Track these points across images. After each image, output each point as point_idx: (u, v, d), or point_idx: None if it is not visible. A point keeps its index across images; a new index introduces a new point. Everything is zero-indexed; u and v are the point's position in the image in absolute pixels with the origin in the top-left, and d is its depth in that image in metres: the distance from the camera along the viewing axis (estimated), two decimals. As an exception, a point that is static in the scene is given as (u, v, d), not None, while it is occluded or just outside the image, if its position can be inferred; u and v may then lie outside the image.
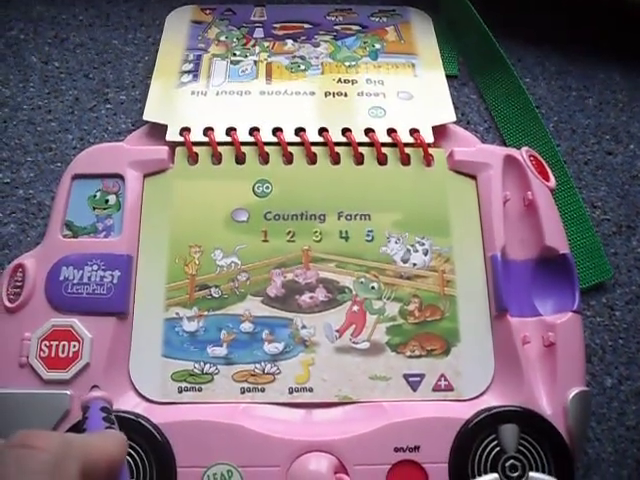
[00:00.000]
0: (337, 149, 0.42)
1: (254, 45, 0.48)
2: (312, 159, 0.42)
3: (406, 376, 0.37)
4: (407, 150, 0.42)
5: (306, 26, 0.50)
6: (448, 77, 0.47)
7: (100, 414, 0.29)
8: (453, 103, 0.45)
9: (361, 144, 0.42)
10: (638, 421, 0.40)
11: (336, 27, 0.50)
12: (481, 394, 0.37)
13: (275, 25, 0.50)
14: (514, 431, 0.35)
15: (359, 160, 0.42)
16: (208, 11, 0.51)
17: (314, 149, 0.42)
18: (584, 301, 0.43)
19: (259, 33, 0.49)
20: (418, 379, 0.37)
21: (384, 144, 0.42)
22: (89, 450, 0.25)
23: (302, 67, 0.46)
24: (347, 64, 0.47)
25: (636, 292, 0.43)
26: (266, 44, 0.48)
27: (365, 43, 0.48)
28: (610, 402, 0.40)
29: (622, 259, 0.44)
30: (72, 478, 0.23)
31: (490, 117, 0.48)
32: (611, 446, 0.39)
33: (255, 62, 0.47)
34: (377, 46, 0.48)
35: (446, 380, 0.37)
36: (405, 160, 0.42)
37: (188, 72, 0.46)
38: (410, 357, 0.37)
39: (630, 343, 0.42)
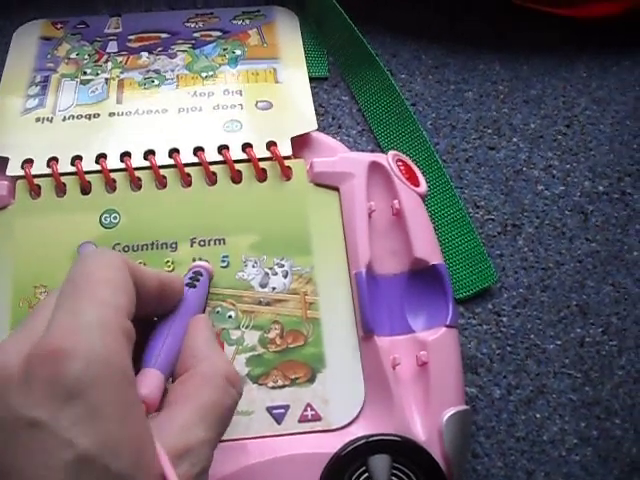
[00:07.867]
0: (189, 170, 0.39)
1: (107, 61, 0.44)
2: (162, 183, 0.39)
3: (269, 409, 0.35)
4: (264, 165, 0.39)
5: (163, 36, 0.46)
6: (318, 79, 0.44)
7: (189, 275, 0.34)
8: (323, 107, 0.42)
9: (214, 163, 0.39)
10: (528, 431, 0.38)
11: (195, 34, 0.46)
12: (351, 422, 0.34)
13: (130, 37, 0.46)
14: (385, 461, 0.32)
15: (212, 181, 0.39)
16: (59, 25, 0.47)
17: (165, 172, 0.39)
18: (469, 309, 0.41)
19: (113, 47, 0.45)
20: (282, 411, 0.35)
21: (238, 161, 0.39)
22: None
23: (156, 82, 0.43)
24: (204, 75, 0.44)
25: (523, 295, 0.41)
26: (119, 59, 0.45)
27: (225, 50, 0.45)
28: (499, 414, 0.38)
29: (508, 260, 0.42)
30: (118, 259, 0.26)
31: (363, 119, 0.45)
32: (501, 460, 0.37)
33: (106, 80, 0.43)
34: (237, 52, 0.45)
35: (313, 410, 0.35)
36: (261, 176, 0.39)
37: (34, 96, 0.42)
38: (273, 388, 0.35)
39: (518, 349, 0.40)
